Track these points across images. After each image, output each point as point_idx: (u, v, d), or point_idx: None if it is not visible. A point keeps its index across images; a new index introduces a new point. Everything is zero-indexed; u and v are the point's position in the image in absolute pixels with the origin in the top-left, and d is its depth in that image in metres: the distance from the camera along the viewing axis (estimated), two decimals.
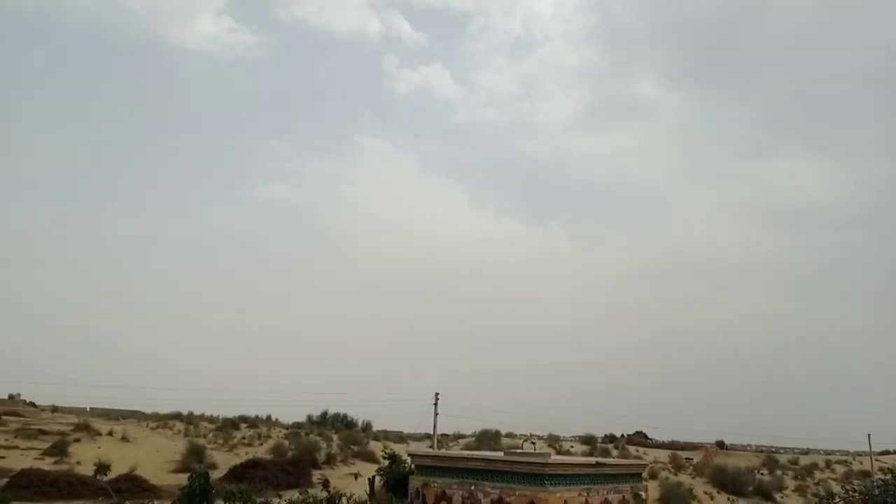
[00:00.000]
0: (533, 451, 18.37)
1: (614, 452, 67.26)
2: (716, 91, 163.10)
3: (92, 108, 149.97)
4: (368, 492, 27.38)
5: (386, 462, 26.58)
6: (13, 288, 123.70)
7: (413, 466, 19.77)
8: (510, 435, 68.77)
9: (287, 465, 47.22)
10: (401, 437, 73.38)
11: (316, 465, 49.86)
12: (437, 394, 53.74)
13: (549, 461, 16.08)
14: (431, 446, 54.20)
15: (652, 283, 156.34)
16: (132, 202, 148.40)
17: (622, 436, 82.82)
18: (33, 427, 50.43)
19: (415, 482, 18.17)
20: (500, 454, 18.17)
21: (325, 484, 20.35)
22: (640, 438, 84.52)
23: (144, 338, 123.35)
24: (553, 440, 70.27)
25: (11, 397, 69.30)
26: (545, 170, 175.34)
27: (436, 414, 53.31)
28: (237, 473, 42.64)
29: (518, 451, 18.57)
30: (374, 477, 27.13)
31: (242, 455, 50.10)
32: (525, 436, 68.87)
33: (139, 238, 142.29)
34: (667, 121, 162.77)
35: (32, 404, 70.28)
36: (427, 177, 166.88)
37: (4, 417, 53.67)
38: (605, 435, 79.27)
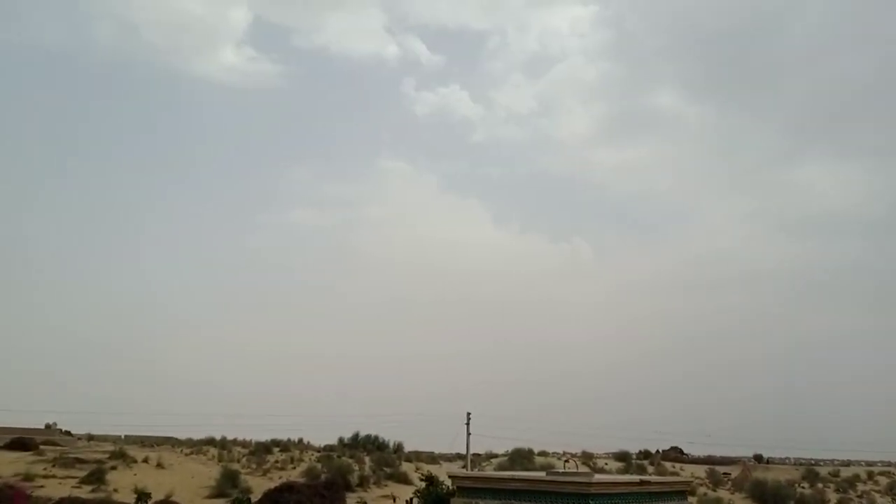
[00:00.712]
0: (575, 470, 18.14)
1: (650, 469, 66.20)
2: (735, 100, 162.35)
3: (118, 140, 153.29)
4: None
5: (423, 484, 26.41)
6: (47, 317, 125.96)
7: (454, 488, 19.61)
8: (543, 453, 68.09)
9: (321, 488, 46.96)
10: (432, 458, 72.89)
11: (350, 488, 49.59)
12: (468, 413, 53.41)
13: (594, 480, 15.87)
14: (465, 466, 53.80)
15: (678, 295, 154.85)
16: (161, 230, 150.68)
17: (657, 451, 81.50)
18: (70, 456, 50.84)
19: (456, 503, 18.03)
20: (541, 474, 17.98)
21: None
22: (675, 454, 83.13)
23: (176, 364, 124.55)
24: (587, 457, 69.34)
25: (48, 427, 70.22)
26: (567, 184, 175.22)
27: (468, 434, 52.98)
28: (272, 498, 42.50)
29: (560, 470, 18.33)
30: (411, 499, 26.95)
31: (276, 479, 49.96)
32: (558, 454, 68.20)
33: (170, 265, 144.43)
34: (687, 132, 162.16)
35: (68, 433, 71.16)
36: (448, 196, 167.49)
37: (42, 447, 54.27)
38: (640, 451, 78.08)
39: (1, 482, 39.65)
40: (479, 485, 17.93)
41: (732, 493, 56.17)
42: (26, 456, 50.02)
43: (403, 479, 53.01)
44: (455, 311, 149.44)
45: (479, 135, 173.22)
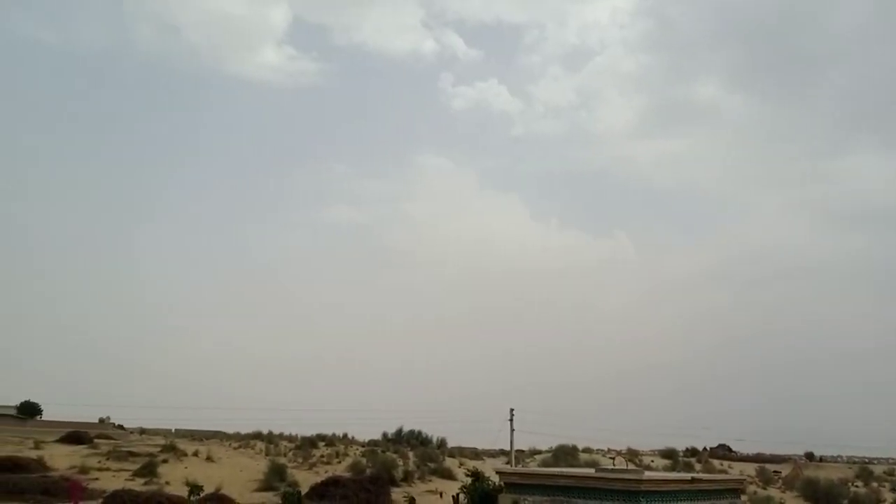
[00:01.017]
0: (624, 467, 17.91)
1: (697, 467, 65.02)
2: (779, 89, 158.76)
3: (159, 140, 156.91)
4: None
5: (468, 479, 26.37)
6: (100, 316, 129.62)
7: (501, 484, 19.54)
8: (587, 450, 67.40)
9: (366, 482, 47.27)
10: (476, 454, 72.84)
11: (394, 483, 49.86)
12: (511, 409, 53.24)
13: (644, 478, 15.63)
14: (508, 462, 53.68)
15: (723, 289, 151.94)
16: (202, 229, 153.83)
17: (704, 449, 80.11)
18: (123, 449, 52.23)
19: (504, 500, 17.94)
20: (590, 471, 17.78)
21: (412, 502, 20.24)
22: (723, 451, 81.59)
23: (222, 360, 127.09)
24: (632, 455, 68.49)
25: (101, 421, 72.40)
26: (607, 178, 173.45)
27: (512, 430, 52.81)
28: (318, 491, 42.95)
29: (609, 467, 18.11)
30: (458, 495, 26.98)
31: (322, 473, 50.52)
32: (602, 451, 67.53)
33: (214, 264, 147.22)
34: (730, 122, 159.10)
35: (121, 427, 73.27)
36: (487, 191, 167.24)
37: (96, 440, 55.89)
38: (687, 448, 76.79)
39: (58, 474, 40.94)
40: (526, 481, 17.83)
41: (784, 492, 54.84)
42: (81, 449, 51.57)
43: (447, 475, 53.06)
44: (494, 308, 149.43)
45: (518, 129, 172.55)
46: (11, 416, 73.64)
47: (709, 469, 62.16)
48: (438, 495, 39.07)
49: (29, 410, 76.33)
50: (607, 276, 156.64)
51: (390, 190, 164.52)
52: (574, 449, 66.44)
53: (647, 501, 15.34)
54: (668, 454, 72.34)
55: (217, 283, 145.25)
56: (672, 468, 59.34)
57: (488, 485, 24.05)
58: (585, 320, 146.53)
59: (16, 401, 77.38)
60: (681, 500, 16.39)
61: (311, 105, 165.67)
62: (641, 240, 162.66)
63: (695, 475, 19.87)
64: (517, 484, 17.94)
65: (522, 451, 70.17)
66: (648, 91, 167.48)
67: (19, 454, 45.23)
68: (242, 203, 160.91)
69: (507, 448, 55.51)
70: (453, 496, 28.32)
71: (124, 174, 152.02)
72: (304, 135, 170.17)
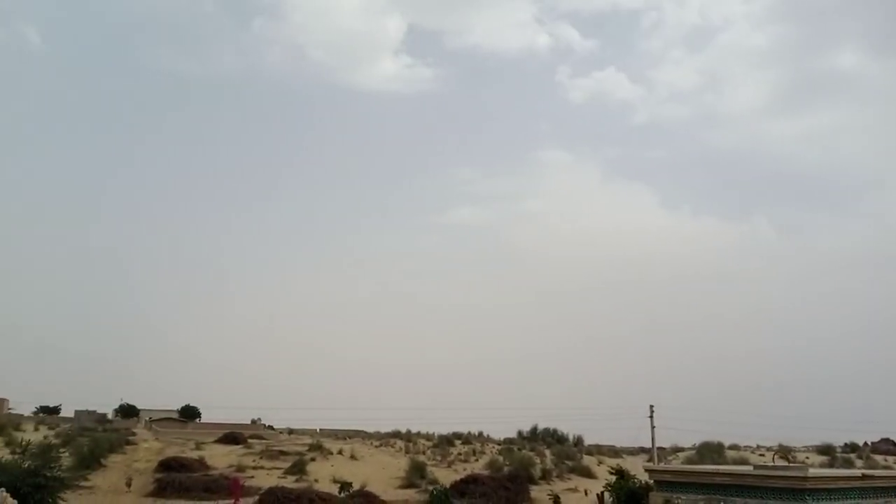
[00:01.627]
0: (785, 464, 16.87)
1: (858, 463, 60.25)
2: None
3: (285, 156, 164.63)
4: None
5: (612, 478, 25.78)
6: (249, 323, 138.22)
7: (648, 482, 18.96)
8: (734, 447, 64.13)
9: (505, 480, 47.40)
10: (614, 452, 71.20)
11: (532, 481, 49.67)
12: (651, 406, 51.75)
13: (810, 475, 14.63)
14: (650, 460, 52.10)
15: (876, 270, 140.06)
16: (342, 239, 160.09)
17: (865, 444, 74.01)
18: (274, 448, 55.29)
19: (656, 499, 17.39)
20: (748, 468, 16.87)
21: (556, 500, 20.04)
22: (887, 446, 75.03)
23: (360, 361, 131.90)
24: (784, 451, 64.39)
25: (253, 422, 77.09)
26: (740, 160, 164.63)
27: (652, 427, 51.30)
28: (458, 489, 43.46)
29: (769, 464, 17.12)
30: (602, 493, 26.48)
31: (460, 471, 51.10)
32: (751, 447, 64.02)
33: (349, 267, 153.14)
34: (874, 92, 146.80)
35: (271, 427, 77.60)
36: (612, 183, 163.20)
37: (250, 441, 59.49)
38: (845, 443, 71.24)
39: (217, 473, 43.93)
40: (679, 479, 17.20)
41: None
42: (237, 449, 55.06)
43: (586, 473, 52.27)
44: (627, 301, 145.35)
45: (641, 116, 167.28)
46: (174, 419, 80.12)
47: (871, 465, 57.40)
48: (583, 493, 38.48)
49: (189, 414, 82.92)
50: (746, 262, 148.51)
51: (512, 188, 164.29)
52: (720, 446, 63.38)
53: (814, 500, 14.36)
54: (825, 450, 67.31)
55: (353, 290, 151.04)
56: (830, 465, 55.32)
57: (634, 483, 23.39)
58: (724, 310, 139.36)
59: (178, 405, 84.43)
60: (851, 497, 15.24)
61: (429, 110, 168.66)
62: (782, 222, 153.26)
63: (865, 472, 18.39)
64: (669, 482, 17.33)
65: (663, 449, 67.85)
66: (781, 65, 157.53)
67: (183, 454, 48.94)
68: (371, 210, 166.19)
69: (648, 446, 53.90)
70: (598, 494, 27.79)
71: (262, 193, 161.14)
72: (423, 140, 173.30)
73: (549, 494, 22.91)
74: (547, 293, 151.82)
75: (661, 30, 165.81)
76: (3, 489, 17.22)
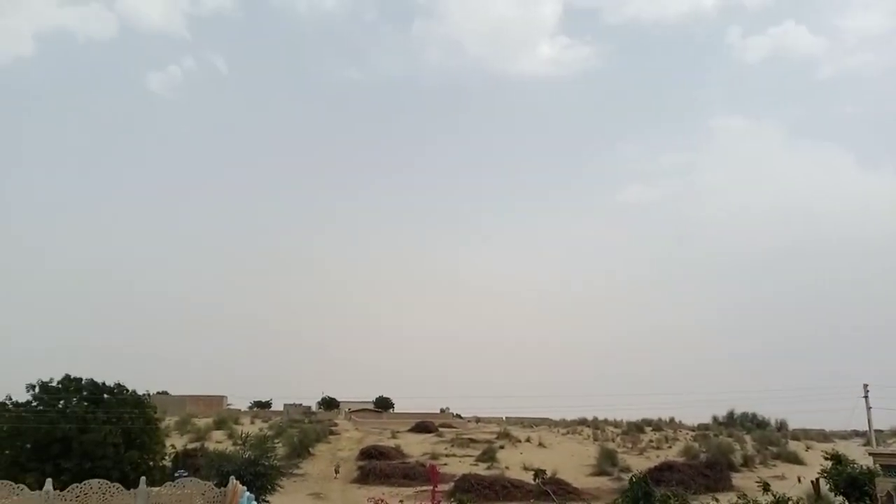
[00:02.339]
0: None
1: None
2: None
3: (454, 153, 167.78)
4: (814, 496, 24.65)
5: (827, 463, 23.60)
6: (440, 323, 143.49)
7: (872, 467, 17.14)
8: None
9: (702, 467, 45.30)
10: (824, 436, 65.67)
11: (733, 468, 47.02)
12: (865, 385, 46.92)
13: None
14: (867, 443, 47.40)
15: None
16: (500, 228, 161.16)
17: None
18: (464, 437, 56.82)
19: (884, 484, 15.70)
20: None
21: (766, 487, 18.65)
22: None
23: (543, 346, 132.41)
24: None
25: (442, 411, 79.78)
26: None
27: (868, 408, 46.51)
28: (652, 477, 41.61)
29: None
30: (817, 480, 24.37)
31: (653, 458, 49.57)
32: None
33: (528, 254, 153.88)
34: None
35: (459, 416, 79.86)
36: (797, 145, 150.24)
37: (441, 429, 61.58)
38: None
39: (413, 460, 45.90)
40: None
41: None
42: (429, 437, 57.26)
43: (793, 459, 48.77)
44: (828, 269, 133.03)
45: (827, 70, 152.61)
46: (370, 409, 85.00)
47: None
48: (796, 480, 35.80)
49: (383, 404, 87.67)
50: None
51: (683, 162, 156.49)
52: None
53: None
54: None
55: (533, 277, 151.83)
56: None
57: (854, 468, 21.25)
58: None
59: (372, 396, 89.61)
60: None
61: (591, 89, 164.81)
62: None
63: None
64: None
65: (881, 432, 61.41)
66: None
67: (381, 443, 51.71)
68: (536, 195, 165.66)
69: (862, 429, 49.04)
70: (812, 482, 25.61)
71: (434, 190, 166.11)
72: (587, 120, 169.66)
73: (757, 482, 21.31)
74: (732, 267, 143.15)
75: None
76: (232, 476, 19.20)
